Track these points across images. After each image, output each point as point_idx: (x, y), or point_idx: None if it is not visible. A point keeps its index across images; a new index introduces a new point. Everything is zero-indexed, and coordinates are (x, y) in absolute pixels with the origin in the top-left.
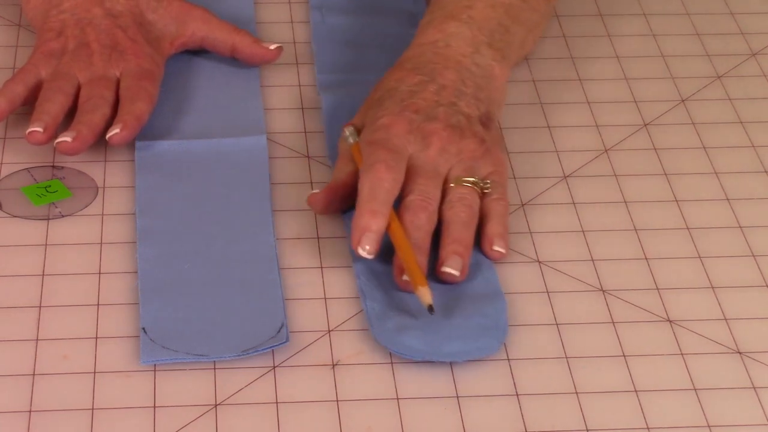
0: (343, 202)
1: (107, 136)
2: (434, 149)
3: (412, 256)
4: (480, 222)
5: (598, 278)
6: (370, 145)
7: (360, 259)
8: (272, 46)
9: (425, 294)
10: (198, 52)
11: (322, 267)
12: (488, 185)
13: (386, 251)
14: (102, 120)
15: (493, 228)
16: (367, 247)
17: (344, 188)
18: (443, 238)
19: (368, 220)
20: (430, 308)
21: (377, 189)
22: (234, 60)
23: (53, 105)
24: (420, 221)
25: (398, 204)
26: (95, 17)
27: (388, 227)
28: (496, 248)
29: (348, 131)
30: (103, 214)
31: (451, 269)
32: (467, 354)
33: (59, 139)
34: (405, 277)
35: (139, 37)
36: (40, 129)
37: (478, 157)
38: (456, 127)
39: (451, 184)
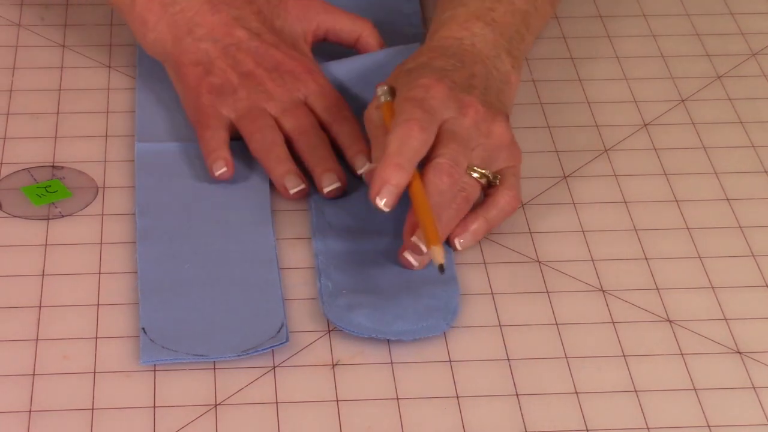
0: None
1: (359, 173)
2: (470, 120)
3: (431, 214)
4: (478, 204)
5: (598, 278)
6: (406, 102)
7: (318, 239)
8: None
9: (438, 253)
10: None
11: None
12: (497, 180)
13: (348, 231)
14: (331, 151)
15: (474, 221)
16: (385, 200)
17: None
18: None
19: (391, 172)
20: (441, 267)
21: (405, 145)
22: None
23: (281, 148)
24: (443, 185)
25: (421, 166)
26: (242, 41)
27: (409, 185)
28: (458, 241)
29: (381, 90)
30: (103, 214)
31: (411, 258)
32: (414, 333)
33: (328, 189)
34: (414, 238)
35: (290, 49)
36: (302, 185)
37: (504, 146)
38: (490, 108)
39: (468, 171)
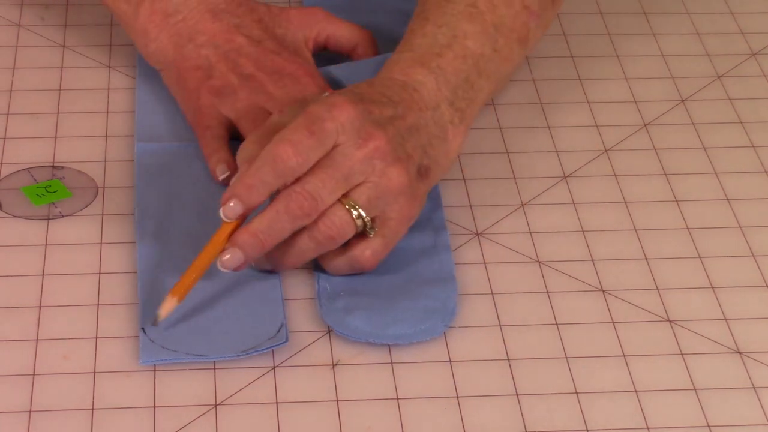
0: None
1: None
2: (364, 152)
3: (197, 270)
4: (341, 248)
5: (598, 278)
6: (302, 116)
7: None
8: None
9: (168, 305)
10: None
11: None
12: (372, 231)
13: None
14: None
15: (333, 261)
16: (228, 215)
17: None
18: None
19: (242, 190)
20: (155, 320)
21: (268, 166)
22: None
23: None
24: (287, 217)
25: None
26: (242, 47)
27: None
28: (291, 264)
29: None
30: (103, 214)
31: (227, 258)
32: (411, 337)
33: None
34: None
35: (291, 55)
36: None
37: (394, 195)
38: (395, 151)
39: (343, 201)
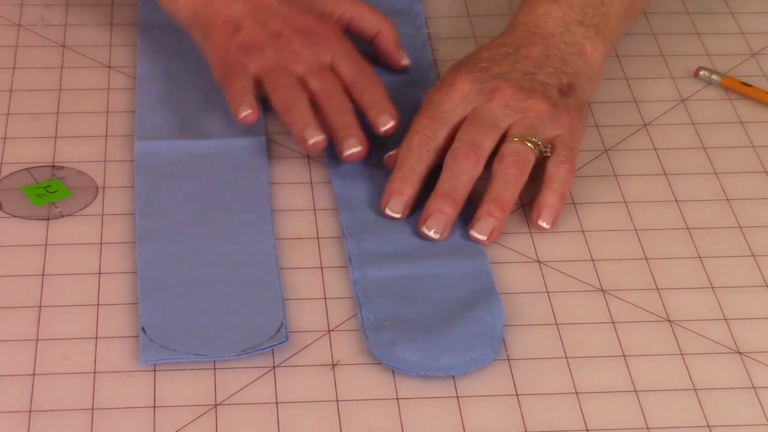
0: None
1: (382, 130)
2: (496, 103)
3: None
4: (540, 184)
5: (598, 278)
6: (424, 105)
7: (356, 267)
8: (404, 61)
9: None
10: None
11: (321, 267)
12: (548, 149)
13: (386, 258)
14: (356, 117)
15: (546, 197)
16: (395, 209)
17: None
18: (486, 193)
19: (398, 185)
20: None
21: (409, 156)
22: None
23: (304, 106)
24: (460, 169)
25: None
26: (271, 6)
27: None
28: (542, 222)
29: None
30: (103, 214)
31: (477, 234)
32: (462, 367)
33: (349, 152)
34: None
35: (320, 18)
36: (321, 135)
37: (545, 118)
38: (525, 88)
39: (507, 140)
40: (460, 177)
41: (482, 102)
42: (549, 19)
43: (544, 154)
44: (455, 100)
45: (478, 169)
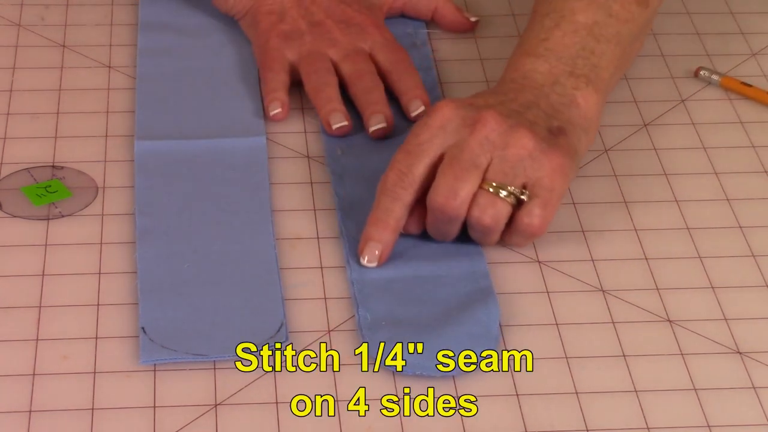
0: None
1: (413, 115)
2: (476, 137)
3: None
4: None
5: (598, 278)
6: (404, 143)
7: (354, 267)
8: (472, 18)
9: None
10: (196, 51)
11: (321, 267)
12: (525, 194)
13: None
14: (385, 97)
15: (506, 241)
16: (367, 257)
17: None
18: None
19: (371, 230)
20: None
21: (380, 203)
22: (233, 59)
23: (333, 89)
24: (437, 221)
25: None
26: None
27: None
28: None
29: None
30: (103, 214)
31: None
32: (458, 368)
33: (375, 128)
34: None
35: (364, 9)
36: (345, 122)
37: (526, 157)
38: (510, 120)
39: (483, 185)
40: (439, 229)
41: (463, 134)
42: (536, 74)
43: (521, 199)
44: (433, 129)
45: (457, 221)
